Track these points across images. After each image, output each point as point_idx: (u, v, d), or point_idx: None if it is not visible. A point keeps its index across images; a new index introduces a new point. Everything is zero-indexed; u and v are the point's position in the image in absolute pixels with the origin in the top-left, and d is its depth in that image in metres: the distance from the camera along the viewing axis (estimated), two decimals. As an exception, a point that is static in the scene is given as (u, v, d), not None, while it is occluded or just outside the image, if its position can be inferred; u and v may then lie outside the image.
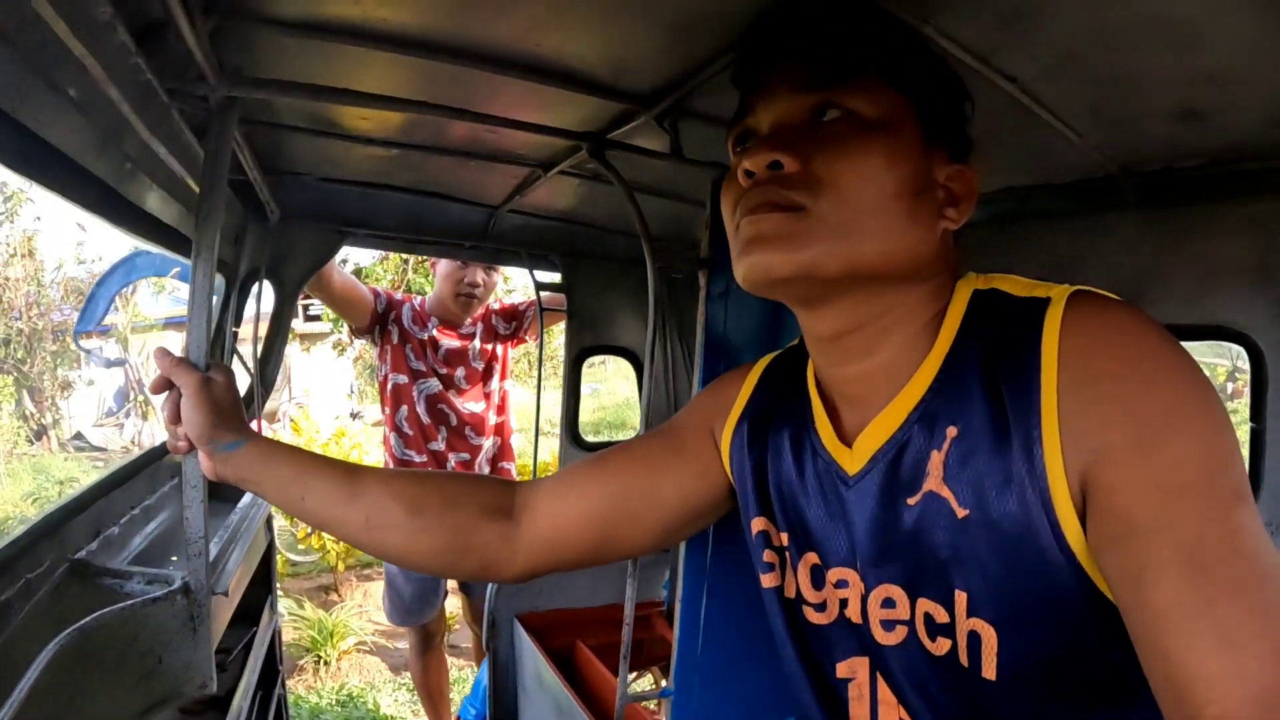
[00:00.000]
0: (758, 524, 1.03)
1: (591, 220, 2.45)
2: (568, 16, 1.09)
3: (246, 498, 2.08)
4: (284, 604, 5.59)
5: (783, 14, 0.97)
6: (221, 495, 2.18)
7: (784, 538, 1.00)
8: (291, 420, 8.02)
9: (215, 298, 2.32)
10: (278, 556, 6.28)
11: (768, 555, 1.02)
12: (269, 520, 2.27)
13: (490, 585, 2.65)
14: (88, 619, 1.03)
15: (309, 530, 6.33)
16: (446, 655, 3.63)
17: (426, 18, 1.11)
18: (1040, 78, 1.06)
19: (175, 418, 1.09)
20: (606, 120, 1.48)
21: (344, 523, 1.08)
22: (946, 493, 0.80)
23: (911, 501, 0.83)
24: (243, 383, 2.45)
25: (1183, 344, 0.72)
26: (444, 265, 3.15)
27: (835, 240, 0.79)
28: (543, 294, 2.69)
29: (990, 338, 0.80)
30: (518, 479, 3.43)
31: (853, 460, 0.90)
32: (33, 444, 10.92)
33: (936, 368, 0.83)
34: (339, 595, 6.33)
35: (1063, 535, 0.71)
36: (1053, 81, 1.07)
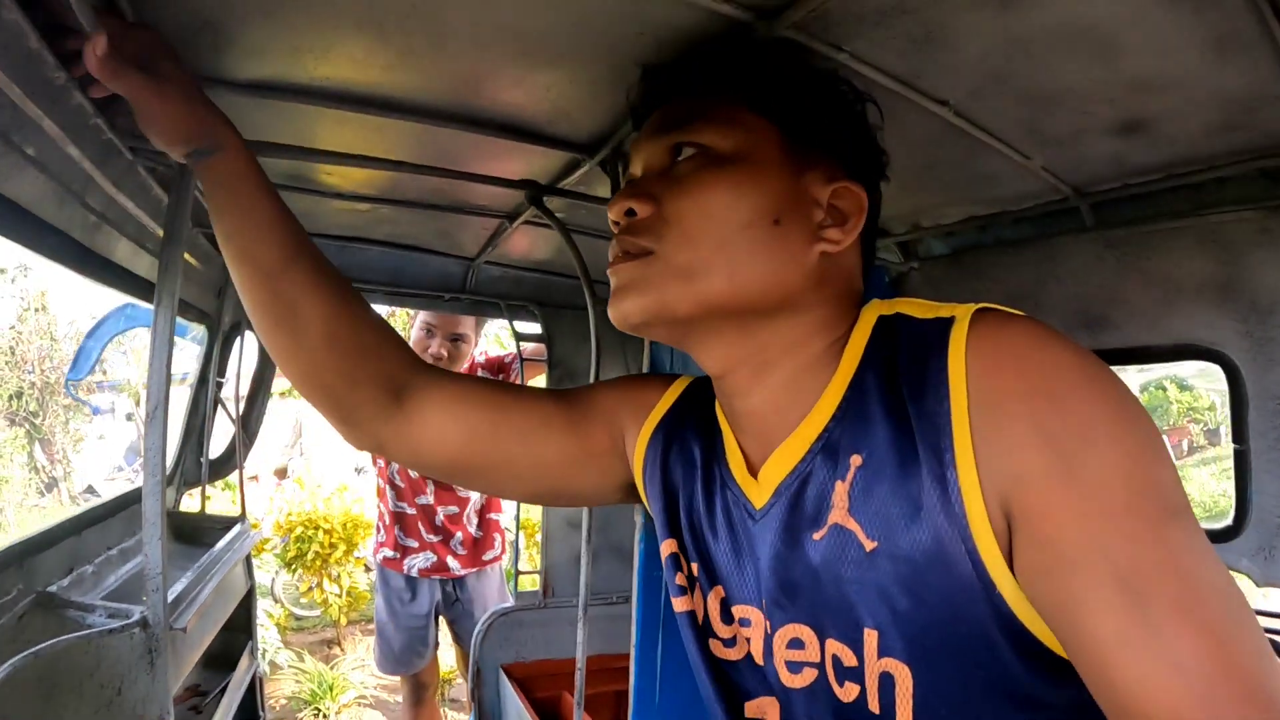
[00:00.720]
0: (668, 546, 0.98)
1: (569, 270, 2.46)
2: (503, 69, 1.11)
3: (223, 540, 2.08)
4: (286, 656, 5.60)
5: (675, 61, 0.99)
6: (194, 538, 2.22)
7: (694, 567, 0.96)
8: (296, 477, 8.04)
9: (198, 348, 2.36)
10: (280, 610, 6.35)
11: (679, 578, 0.97)
12: (248, 563, 2.28)
13: (475, 635, 2.65)
14: (43, 645, 1.05)
15: (312, 584, 6.30)
16: (444, 709, 3.57)
17: (369, 75, 1.14)
18: (971, 99, 1.05)
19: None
20: (557, 168, 1.50)
21: (253, 290, 0.99)
22: (853, 525, 0.75)
23: (817, 536, 0.79)
24: (227, 433, 2.47)
25: (1158, 365, 0.70)
26: (413, 334, 3.18)
27: (680, 281, 0.79)
28: (524, 345, 2.69)
29: (893, 362, 0.77)
30: (508, 532, 3.41)
31: (759, 493, 0.86)
32: (43, 496, 10.96)
33: (839, 396, 0.80)
34: (341, 649, 6.28)
35: (983, 565, 0.66)
36: (984, 101, 1.05)
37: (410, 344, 3.02)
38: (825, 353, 0.83)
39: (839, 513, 0.77)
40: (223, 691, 1.95)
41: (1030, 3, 0.82)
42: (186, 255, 1.86)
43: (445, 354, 3.06)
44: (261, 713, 2.41)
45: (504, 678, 2.47)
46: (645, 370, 1.50)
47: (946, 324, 0.74)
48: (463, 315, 3.02)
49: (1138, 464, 0.62)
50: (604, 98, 1.18)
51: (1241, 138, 1.09)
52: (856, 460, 0.76)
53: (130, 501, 1.90)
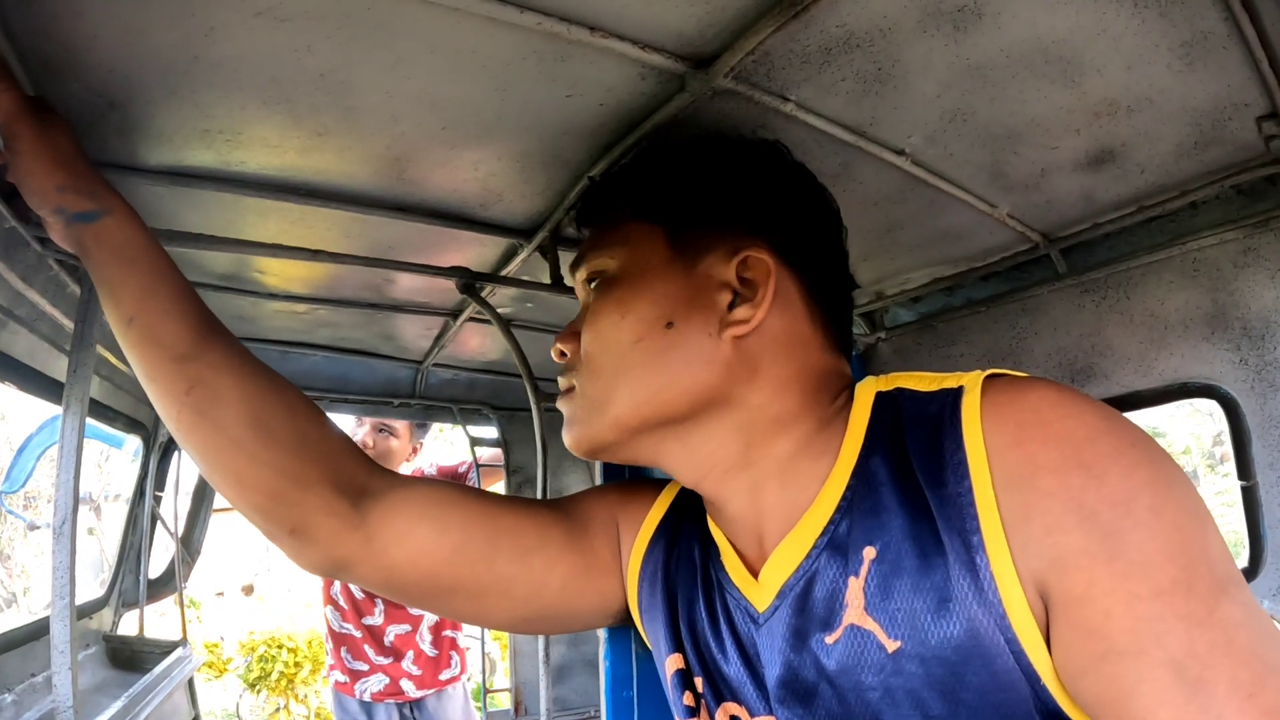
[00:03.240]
0: (673, 662, 0.88)
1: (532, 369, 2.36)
2: (426, 147, 1.05)
3: (160, 665, 1.94)
4: None
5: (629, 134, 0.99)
6: (131, 663, 2.09)
7: (699, 682, 0.86)
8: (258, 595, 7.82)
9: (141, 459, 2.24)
10: None
11: (687, 697, 0.87)
12: (190, 689, 2.15)
13: None
14: None
15: (278, 705, 6.05)
16: None
17: (284, 159, 1.07)
18: (929, 145, 0.99)
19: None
20: (495, 257, 1.44)
21: (163, 379, 0.84)
22: (871, 624, 0.68)
23: (830, 639, 0.71)
24: (168, 551, 2.35)
25: (1154, 408, 0.63)
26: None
27: (595, 412, 0.80)
28: (480, 450, 2.58)
29: (900, 442, 0.71)
30: (465, 649, 3.24)
31: (761, 596, 0.78)
32: (2, 611, 10.49)
33: (843, 485, 0.73)
34: None
35: (1025, 657, 0.60)
36: (944, 146, 0.99)
37: None
38: (812, 440, 0.77)
39: (854, 612, 0.69)
40: None
41: (987, 23, 0.76)
42: (117, 361, 1.79)
43: (371, 443, 2.96)
44: None
45: None
46: (598, 473, 1.42)
47: (955, 395, 0.68)
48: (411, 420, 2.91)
49: (1184, 535, 0.57)
50: (536, 176, 1.12)
51: (1214, 155, 1.05)
52: (870, 553, 0.69)
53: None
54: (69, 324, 1.32)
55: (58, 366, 1.47)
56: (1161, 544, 0.56)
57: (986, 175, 1.07)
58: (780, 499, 0.77)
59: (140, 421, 2.17)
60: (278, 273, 1.58)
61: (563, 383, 0.85)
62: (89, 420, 1.70)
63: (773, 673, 0.76)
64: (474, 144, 1.03)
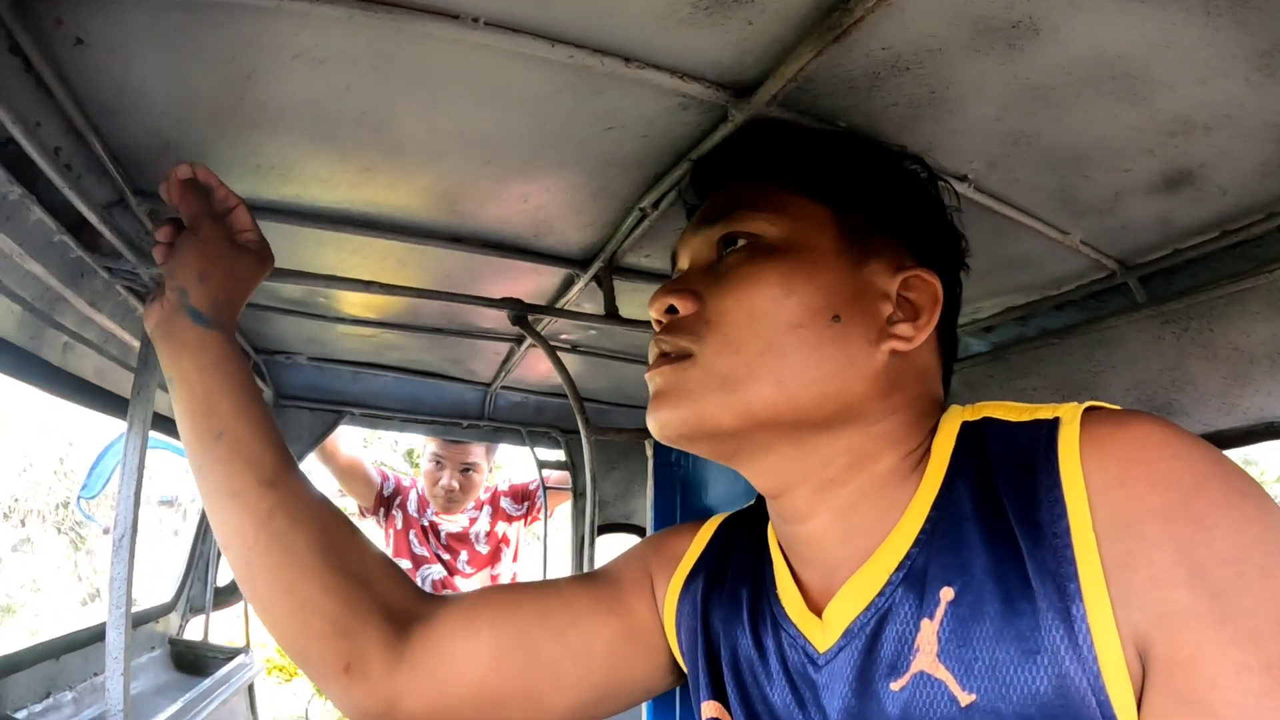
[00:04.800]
0: (708, 709, 0.83)
1: (591, 394, 2.37)
2: (473, 181, 1.05)
3: (222, 670, 1.99)
4: None
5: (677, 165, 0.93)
6: (195, 668, 2.15)
7: None
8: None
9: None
10: None
11: None
12: (250, 695, 2.19)
13: None
14: None
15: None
16: None
17: (336, 193, 1.09)
18: (992, 170, 0.94)
19: (165, 252, 0.89)
20: (552, 287, 1.43)
21: (246, 499, 0.83)
22: (943, 673, 0.61)
23: (896, 686, 0.64)
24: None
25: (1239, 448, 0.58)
26: (424, 464, 3.11)
27: (721, 390, 0.69)
28: (547, 473, 2.59)
29: (986, 475, 0.65)
30: None
31: (823, 634, 0.71)
32: (86, 605, 10.93)
33: (922, 517, 0.67)
34: None
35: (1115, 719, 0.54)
36: (1007, 171, 0.94)
37: (423, 474, 2.94)
38: (898, 468, 0.71)
39: (925, 658, 0.63)
40: None
41: (1044, 40, 0.71)
42: None
43: (457, 485, 2.99)
44: None
45: None
46: (650, 497, 1.38)
47: (1051, 426, 0.63)
48: (478, 443, 2.95)
49: None
50: (586, 208, 1.11)
51: (1302, 174, 0.97)
52: (948, 594, 0.63)
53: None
54: (136, 344, 1.38)
55: (127, 384, 1.53)
56: (1272, 611, 0.51)
57: (1055, 201, 1.01)
58: (859, 525, 0.71)
59: None
60: (344, 298, 1.61)
61: (664, 344, 0.73)
62: (163, 436, 1.79)
63: None
64: (519, 177, 1.03)
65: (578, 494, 2.59)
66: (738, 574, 0.85)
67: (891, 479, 0.70)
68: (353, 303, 1.66)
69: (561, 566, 2.68)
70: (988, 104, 0.81)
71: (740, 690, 0.79)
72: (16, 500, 11.02)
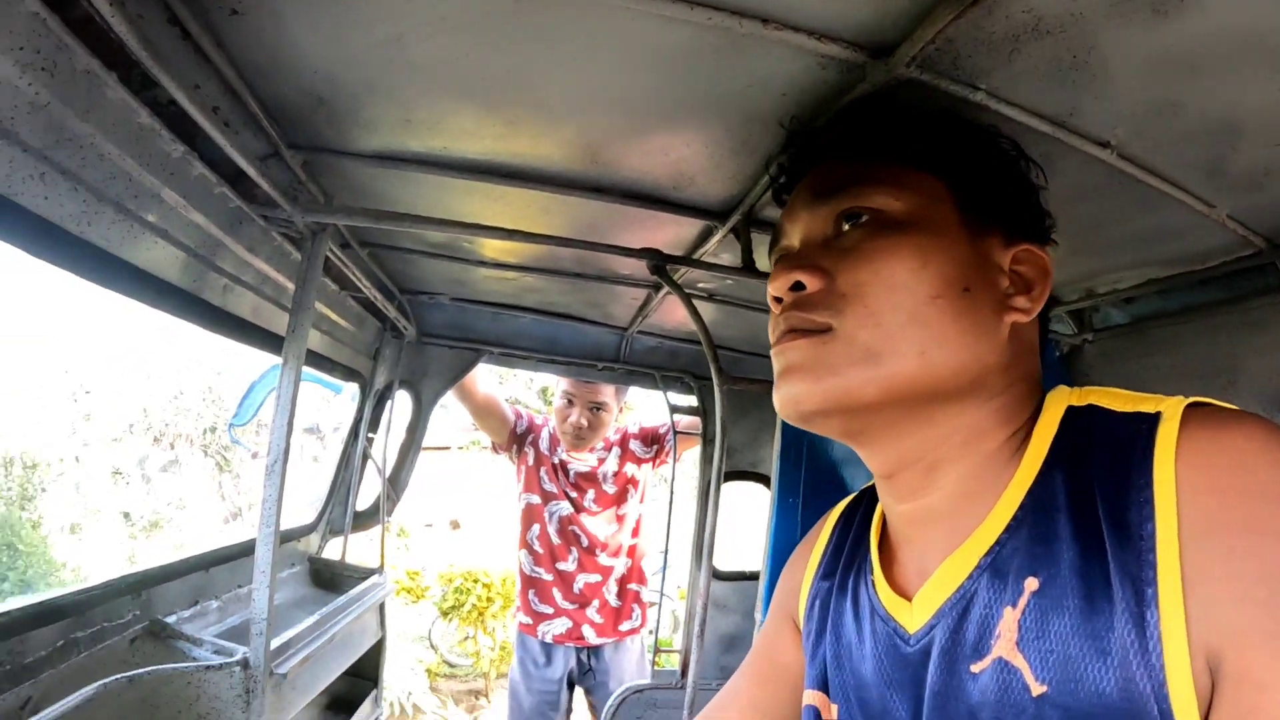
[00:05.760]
0: (809, 698, 0.86)
1: (725, 342, 2.40)
2: (614, 135, 1.09)
3: (356, 588, 2.14)
4: (433, 702, 5.77)
5: (816, 120, 0.92)
6: (331, 585, 2.32)
7: (834, 710, 0.82)
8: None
9: (357, 404, 2.48)
10: (435, 657, 6.54)
11: None
12: (381, 613, 2.33)
13: (606, 709, 2.60)
14: (139, 671, 1.16)
15: (467, 634, 6.50)
16: None
17: (482, 145, 1.15)
18: (1136, 138, 0.90)
19: None
20: (691, 237, 1.46)
21: None
22: (1020, 661, 0.62)
23: (976, 668, 0.65)
24: (376, 487, 2.59)
25: None
26: (555, 401, 3.20)
27: (865, 363, 0.69)
28: (678, 417, 2.64)
29: (1084, 466, 0.64)
30: (649, 604, 3.34)
31: (913, 617, 0.73)
32: (228, 523, 11.85)
33: (1016, 503, 0.67)
34: (486, 700, 6.39)
35: None
36: (1152, 139, 0.90)
37: (554, 412, 3.05)
38: (1003, 449, 0.71)
39: (1005, 644, 0.63)
40: None
41: (1189, 7, 0.68)
42: (338, 318, 1.99)
43: (586, 423, 3.06)
44: None
45: None
46: (776, 447, 1.40)
47: (1151, 422, 0.61)
48: (610, 385, 3.01)
49: None
50: (726, 162, 1.13)
51: None
52: (1032, 584, 0.63)
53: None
54: (290, 285, 1.49)
55: (281, 322, 1.65)
56: None
57: (1202, 172, 0.96)
58: (962, 505, 0.71)
59: (358, 371, 2.39)
60: (486, 243, 1.70)
61: (796, 319, 0.73)
62: (311, 370, 1.94)
63: (924, 702, 0.71)
64: (660, 131, 1.05)
65: (707, 440, 2.64)
66: (846, 563, 0.87)
67: (995, 460, 0.70)
68: (495, 247, 1.75)
69: (687, 511, 2.75)
70: (1132, 70, 0.79)
71: (840, 674, 0.82)
72: (167, 425, 12.11)
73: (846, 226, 0.75)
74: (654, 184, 1.24)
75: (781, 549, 2.03)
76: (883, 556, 0.81)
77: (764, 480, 2.67)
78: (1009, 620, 0.63)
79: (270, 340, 1.66)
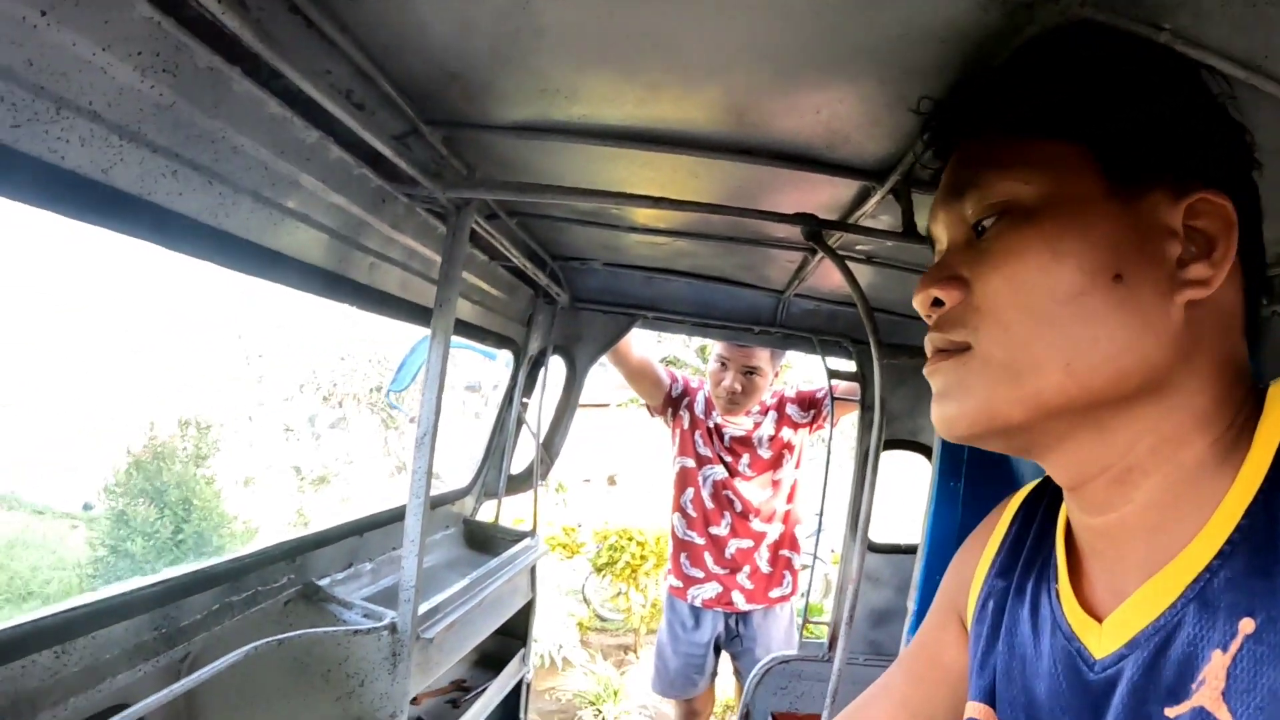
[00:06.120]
0: (972, 710, 0.77)
1: (885, 306, 2.29)
2: (761, 94, 1.02)
3: (509, 551, 2.19)
4: (582, 655, 5.87)
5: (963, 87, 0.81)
6: (485, 546, 2.39)
7: None
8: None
9: (511, 371, 2.53)
10: (587, 611, 6.69)
11: None
12: (532, 575, 2.37)
13: (751, 677, 2.57)
14: (289, 634, 1.22)
15: (619, 590, 6.62)
16: None
17: (623, 110, 1.10)
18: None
19: None
20: (847, 199, 1.37)
21: None
22: (1225, 714, 0.52)
23: (1171, 713, 0.55)
24: (530, 452, 2.64)
25: None
26: (709, 365, 3.15)
27: (1005, 382, 0.62)
28: (836, 382, 2.55)
29: None
30: (800, 569, 3.26)
31: (1101, 641, 0.63)
32: (392, 477, 12.60)
33: (1230, 525, 0.55)
34: (635, 656, 6.46)
35: None
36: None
37: (708, 374, 3.01)
38: (1208, 457, 0.59)
39: (1209, 693, 0.54)
40: (483, 691, 2.08)
41: None
42: (489, 287, 2.01)
43: (739, 387, 3.00)
44: (522, 716, 2.50)
45: None
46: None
47: None
48: (765, 349, 2.94)
49: None
50: (882, 117, 1.03)
51: None
52: (1247, 626, 0.52)
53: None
54: (437, 259, 1.49)
55: (430, 295, 1.66)
56: None
57: None
58: (1164, 521, 0.60)
59: (511, 338, 2.43)
60: (636, 210, 1.63)
61: (938, 340, 0.67)
62: (462, 339, 1.96)
63: None
64: (810, 88, 0.97)
65: (865, 406, 2.54)
66: (1026, 563, 0.77)
67: (1200, 470, 0.58)
68: (645, 213, 1.71)
69: (844, 478, 2.67)
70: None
71: (1010, 690, 0.73)
72: (335, 385, 13.00)
73: (986, 224, 0.66)
74: (806, 144, 1.16)
75: (941, 533, 1.93)
76: (1069, 565, 0.70)
77: (923, 451, 2.56)
78: (1217, 666, 0.53)
79: (420, 313, 1.69)
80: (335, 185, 1.17)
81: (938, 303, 0.67)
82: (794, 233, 1.61)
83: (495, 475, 2.63)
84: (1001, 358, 0.62)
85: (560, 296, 2.42)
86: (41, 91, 0.74)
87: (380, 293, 1.53)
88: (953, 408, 0.65)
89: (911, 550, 2.52)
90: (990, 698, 0.75)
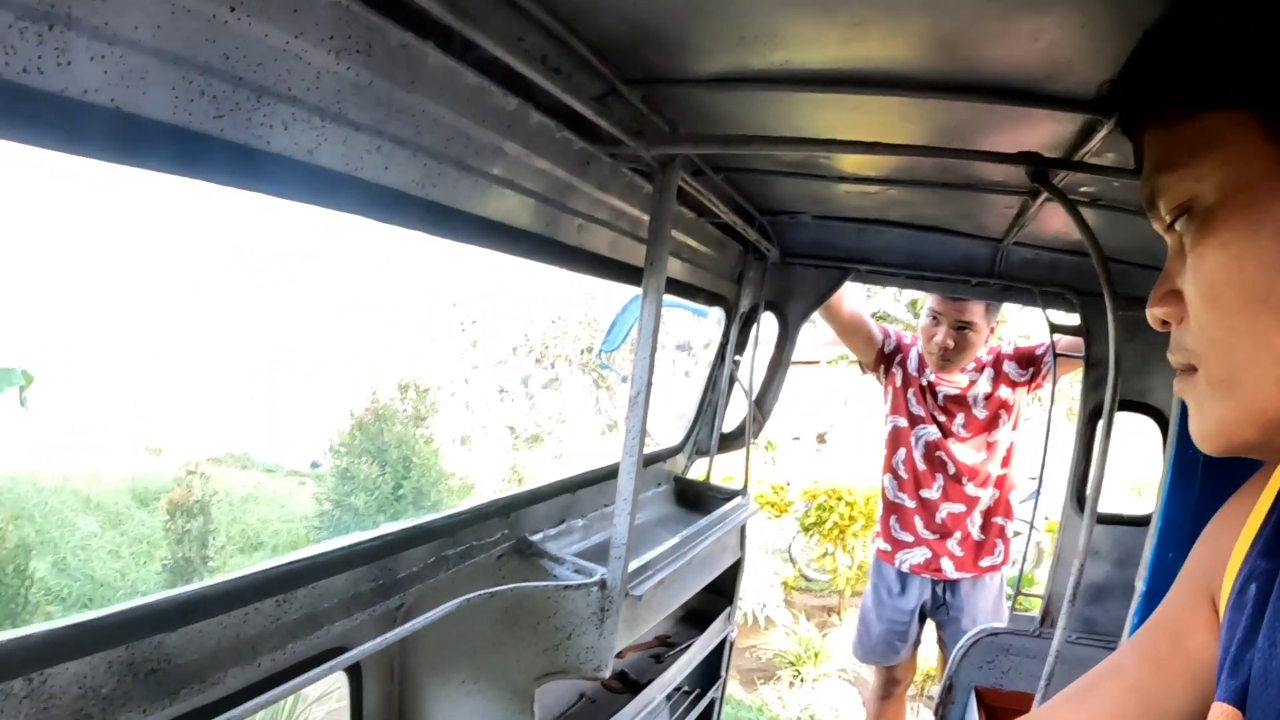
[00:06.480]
0: (1218, 712, 0.68)
1: (1113, 253, 2.09)
2: (973, 23, 0.96)
3: (719, 509, 2.20)
4: (785, 616, 5.90)
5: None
6: (695, 504, 2.40)
7: None
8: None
9: (722, 328, 2.54)
10: (792, 571, 6.75)
11: None
12: (742, 534, 2.35)
13: (956, 650, 2.47)
14: (500, 588, 1.29)
15: (826, 550, 6.57)
16: (918, 706, 3.41)
17: (826, 53, 1.08)
18: None
19: None
20: (1069, 135, 1.28)
21: None
22: None
23: None
24: (741, 410, 2.64)
25: None
26: (921, 320, 3.03)
27: (1226, 401, 0.58)
28: (1057, 337, 2.40)
29: None
30: (1012, 537, 3.11)
31: None
32: (604, 435, 13.00)
33: None
34: (838, 619, 6.38)
35: None
36: None
37: (919, 330, 2.93)
38: None
39: None
40: (687, 648, 2.09)
41: None
42: (698, 244, 2.03)
43: (952, 343, 2.88)
44: (724, 674, 2.49)
45: (975, 701, 2.27)
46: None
47: None
48: (978, 302, 2.81)
49: None
50: (1108, 42, 0.94)
51: None
52: None
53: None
54: (645, 218, 1.52)
55: (639, 255, 1.67)
56: None
57: None
58: None
59: (721, 295, 2.42)
60: (844, 158, 1.61)
61: (1174, 360, 0.64)
62: (674, 298, 1.98)
63: None
64: (1026, 12, 0.91)
65: (1091, 363, 2.37)
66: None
67: None
68: (854, 161, 1.66)
69: (1065, 441, 2.51)
70: None
71: (1266, 694, 0.64)
72: (547, 347, 13.52)
73: (1177, 226, 0.62)
74: (1023, 76, 1.09)
75: (1177, 508, 1.80)
76: None
77: (1152, 413, 2.36)
78: None
79: (630, 273, 1.72)
80: (538, 150, 1.20)
81: (1165, 322, 0.64)
82: (1011, 175, 1.52)
83: (707, 433, 2.64)
84: (1218, 375, 0.59)
85: (770, 252, 2.40)
86: (240, 83, 0.78)
87: (589, 254, 1.56)
88: (1196, 429, 0.62)
89: (1137, 523, 2.34)
90: (1241, 701, 0.66)
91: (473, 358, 13.36)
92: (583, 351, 13.46)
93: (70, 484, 9.43)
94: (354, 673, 1.36)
